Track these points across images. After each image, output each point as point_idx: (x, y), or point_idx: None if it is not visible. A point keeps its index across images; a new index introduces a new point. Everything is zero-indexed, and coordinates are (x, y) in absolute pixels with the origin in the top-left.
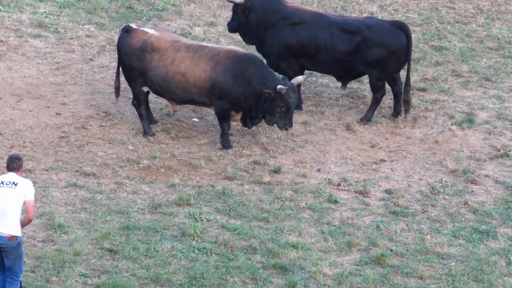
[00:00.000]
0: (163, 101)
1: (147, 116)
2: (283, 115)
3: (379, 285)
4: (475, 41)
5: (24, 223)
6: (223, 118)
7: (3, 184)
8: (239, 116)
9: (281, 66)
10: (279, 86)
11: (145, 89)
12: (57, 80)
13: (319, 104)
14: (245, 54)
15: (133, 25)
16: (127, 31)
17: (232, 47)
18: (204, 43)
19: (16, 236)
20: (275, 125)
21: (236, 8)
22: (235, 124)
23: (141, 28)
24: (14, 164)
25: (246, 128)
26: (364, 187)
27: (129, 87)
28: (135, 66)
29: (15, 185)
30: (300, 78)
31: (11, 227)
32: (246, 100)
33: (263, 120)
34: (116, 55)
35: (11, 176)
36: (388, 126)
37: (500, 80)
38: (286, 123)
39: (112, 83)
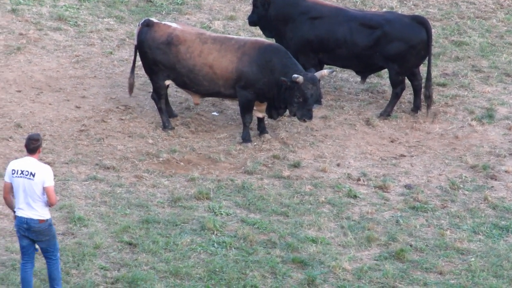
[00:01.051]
0: (183, 95)
1: (167, 110)
2: (301, 106)
3: (398, 280)
4: (495, 36)
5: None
6: (247, 109)
7: (22, 174)
8: (264, 107)
9: (300, 61)
10: (294, 75)
11: (167, 82)
12: (76, 73)
13: (339, 98)
14: (269, 44)
15: (154, 19)
16: (148, 25)
17: (258, 38)
18: (229, 35)
19: (46, 219)
20: (295, 117)
21: (256, 1)
22: (261, 115)
23: (163, 22)
24: (31, 145)
25: (272, 119)
26: (384, 182)
27: (148, 81)
28: (160, 60)
29: (33, 176)
30: (324, 72)
31: (38, 212)
32: (269, 90)
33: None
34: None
35: (30, 164)
36: (408, 121)
37: None
38: (304, 114)
39: None
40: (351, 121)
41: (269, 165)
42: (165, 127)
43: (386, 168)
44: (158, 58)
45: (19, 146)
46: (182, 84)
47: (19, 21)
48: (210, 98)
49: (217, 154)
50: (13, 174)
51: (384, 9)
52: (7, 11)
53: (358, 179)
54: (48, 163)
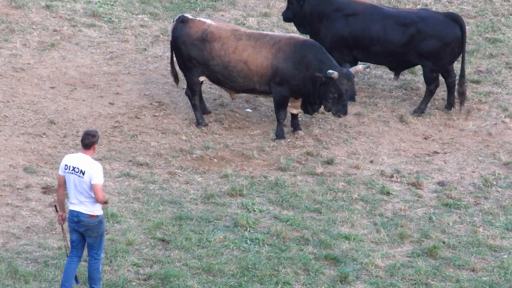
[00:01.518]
0: (216, 92)
1: (201, 106)
2: (336, 101)
3: (431, 277)
4: None
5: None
6: (281, 105)
7: (73, 171)
8: (299, 103)
9: (334, 57)
10: (329, 71)
11: (201, 78)
12: (110, 70)
13: (373, 95)
14: (305, 40)
15: (189, 15)
16: (182, 21)
17: (293, 35)
18: (264, 31)
19: (97, 215)
20: (330, 112)
21: None
22: (296, 112)
23: (197, 18)
24: (86, 140)
25: (307, 114)
26: (417, 179)
27: (182, 77)
28: (194, 56)
29: (83, 174)
30: (359, 67)
31: (89, 208)
32: (305, 86)
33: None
34: (170, 45)
35: (82, 161)
36: (441, 118)
37: None
38: (339, 109)
39: (166, 73)
40: (385, 118)
41: (303, 162)
42: (199, 123)
43: (420, 165)
44: (192, 54)
45: (52, 142)
46: (216, 80)
47: (53, 18)
48: (244, 94)
49: (250, 151)
50: (65, 169)
51: (419, 7)
52: (41, 7)
53: (391, 176)
54: None
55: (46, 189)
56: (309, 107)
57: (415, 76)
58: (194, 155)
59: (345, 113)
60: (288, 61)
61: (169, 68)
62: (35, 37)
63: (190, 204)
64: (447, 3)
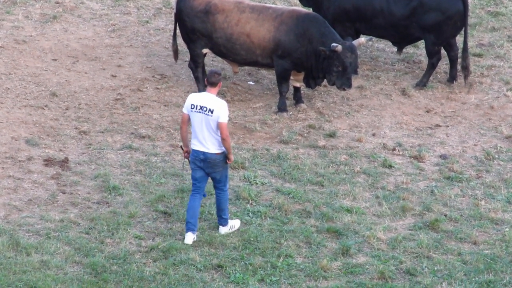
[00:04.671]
0: (219, 64)
1: (203, 79)
2: (340, 74)
3: (432, 250)
4: None
5: (224, 146)
6: (284, 78)
7: (201, 110)
8: (301, 77)
9: (337, 30)
10: (333, 44)
11: (205, 51)
12: (112, 42)
13: (375, 68)
14: (307, 13)
15: None
16: None
17: (295, 8)
18: (267, 4)
19: (222, 151)
20: (334, 85)
21: None
22: (299, 85)
23: None
24: (213, 78)
25: (309, 88)
26: (419, 152)
27: (185, 50)
28: (198, 28)
29: (212, 112)
30: (362, 40)
31: (214, 147)
32: (307, 59)
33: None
34: (172, 18)
35: (209, 99)
36: (443, 92)
37: None
38: (343, 83)
39: (168, 46)
40: (387, 91)
41: (305, 134)
42: None
43: (422, 138)
44: (196, 27)
45: (54, 114)
46: (219, 53)
47: None
48: (246, 67)
49: (252, 124)
50: (192, 108)
51: None
52: None
53: (394, 149)
54: (84, 132)
55: (48, 162)
56: (311, 81)
57: (417, 50)
58: None
59: (349, 86)
60: (290, 34)
61: (171, 41)
62: (37, 9)
63: None
64: None
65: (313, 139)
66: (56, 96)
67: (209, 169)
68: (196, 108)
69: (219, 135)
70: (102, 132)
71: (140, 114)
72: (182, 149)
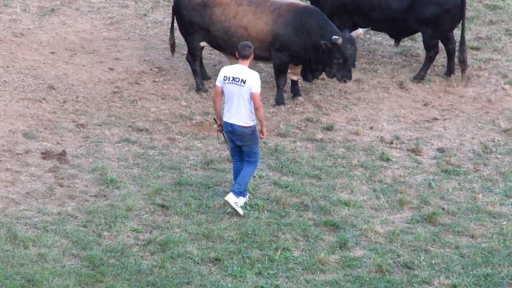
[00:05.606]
0: (216, 57)
1: (201, 72)
2: (341, 66)
3: (430, 243)
4: None
5: (257, 117)
6: (281, 71)
7: (234, 81)
8: (299, 70)
9: (334, 23)
10: (334, 37)
11: (202, 44)
12: (110, 35)
13: (372, 62)
14: (305, 6)
15: None
16: None
17: (293, 1)
18: None
19: (251, 125)
20: (334, 77)
21: None
22: (296, 78)
23: None
24: (245, 51)
25: (307, 81)
26: (417, 145)
27: (183, 43)
28: (196, 21)
29: (244, 82)
30: (360, 31)
31: (244, 119)
32: (306, 52)
33: (323, 72)
34: (170, 11)
35: (241, 71)
36: (441, 85)
37: None
38: (344, 75)
39: (166, 39)
40: (385, 84)
41: (302, 128)
42: (199, 89)
43: (419, 132)
44: (193, 20)
45: (52, 107)
46: (217, 46)
47: None
48: None
49: None
50: (224, 80)
51: None
52: None
53: (391, 142)
54: (81, 125)
55: (46, 155)
56: (309, 74)
57: (415, 43)
58: (194, 121)
59: (350, 77)
60: (288, 27)
61: (169, 34)
62: (35, 2)
63: (189, 170)
64: None
65: (310, 132)
66: (54, 89)
67: (238, 141)
68: (229, 80)
69: (252, 105)
70: (100, 125)
71: (137, 107)
72: (216, 122)
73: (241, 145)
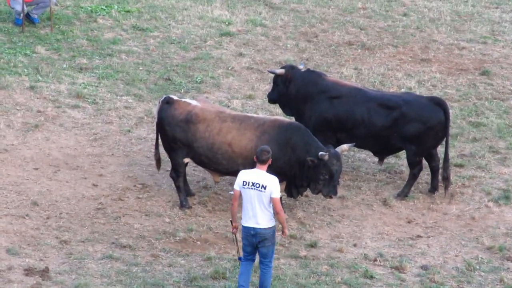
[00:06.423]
0: (200, 174)
1: (185, 189)
2: (327, 182)
3: None
4: None
5: (279, 220)
6: None
7: (254, 186)
8: (283, 186)
9: (318, 139)
10: (320, 153)
11: (186, 160)
12: (94, 151)
13: (356, 178)
14: (290, 123)
15: (174, 97)
16: (168, 102)
17: (277, 117)
18: (248, 114)
19: (272, 226)
20: (320, 193)
21: (276, 79)
22: (280, 194)
23: (183, 99)
24: (263, 156)
25: (291, 197)
26: (400, 263)
27: (166, 159)
28: (179, 137)
29: (264, 188)
30: (344, 147)
31: (264, 223)
32: (291, 168)
33: (308, 189)
34: (154, 127)
35: (261, 176)
36: (425, 202)
37: None
38: (330, 190)
39: (150, 155)
40: (368, 201)
41: (286, 244)
42: (183, 205)
43: (403, 249)
44: (177, 136)
45: (35, 224)
46: (201, 162)
47: (37, 99)
48: (228, 177)
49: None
50: (244, 185)
51: (403, 90)
52: (26, 88)
53: (375, 260)
54: (64, 242)
55: (29, 271)
56: (294, 190)
57: (399, 160)
58: (178, 238)
59: (335, 193)
60: (273, 144)
61: (153, 150)
62: (19, 118)
63: (173, 287)
64: (431, 87)
65: (294, 249)
66: (37, 205)
67: (260, 243)
68: (248, 185)
69: (271, 209)
70: (83, 241)
71: (121, 223)
72: (232, 224)
73: (261, 246)
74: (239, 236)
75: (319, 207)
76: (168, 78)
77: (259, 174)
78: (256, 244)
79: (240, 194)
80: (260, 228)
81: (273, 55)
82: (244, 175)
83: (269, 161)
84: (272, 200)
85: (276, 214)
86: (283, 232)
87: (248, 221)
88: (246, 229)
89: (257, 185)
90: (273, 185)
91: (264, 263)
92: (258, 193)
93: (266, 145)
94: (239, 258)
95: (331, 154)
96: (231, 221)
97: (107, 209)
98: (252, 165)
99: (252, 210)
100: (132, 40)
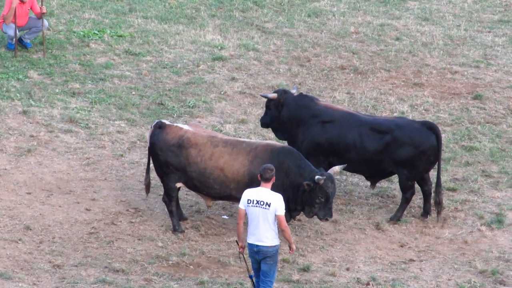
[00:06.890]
0: (193, 198)
1: (177, 213)
2: (323, 205)
3: None
4: (505, 141)
5: (285, 237)
6: None
7: (259, 204)
8: None
9: (311, 163)
10: (317, 177)
11: (178, 185)
12: (87, 176)
13: (349, 203)
14: (282, 147)
15: (166, 121)
16: (160, 127)
17: (269, 141)
18: (240, 138)
19: (275, 244)
20: (315, 216)
21: (269, 103)
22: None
23: (175, 124)
24: (267, 174)
25: None
26: (393, 287)
27: (159, 184)
28: (171, 162)
29: (269, 205)
30: (336, 169)
31: (269, 241)
32: (284, 192)
33: (301, 212)
34: (147, 151)
35: (265, 194)
36: (417, 226)
37: None
38: (326, 213)
39: (142, 179)
40: (361, 226)
41: (279, 269)
42: (175, 230)
43: (396, 273)
44: (169, 160)
45: (28, 248)
46: (193, 187)
47: (30, 123)
48: (221, 201)
49: (226, 258)
50: (248, 203)
51: (395, 114)
52: (18, 113)
53: (368, 284)
54: (58, 266)
55: None
56: (287, 214)
57: (391, 184)
58: (170, 262)
59: (331, 215)
60: None
61: (145, 175)
62: (11, 142)
63: None
64: (423, 111)
65: (287, 273)
66: (30, 229)
67: (262, 261)
68: (253, 203)
69: (276, 227)
70: (76, 265)
71: (114, 248)
72: (238, 244)
73: (263, 263)
74: (246, 254)
75: (311, 231)
76: (160, 103)
77: (263, 192)
78: (259, 261)
79: (246, 213)
80: (263, 246)
81: (265, 80)
82: (249, 193)
83: (273, 179)
84: (277, 217)
85: (281, 231)
86: (290, 248)
87: (252, 238)
88: (250, 246)
89: (262, 203)
90: (278, 203)
91: (265, 281)
92: (263, 211)
93: (257, 169)
94: (250, 276)
95: (327, 177)
96: (236, 241)
97: (100, 234)
98: (244, 190)
99: (256, 228)
100: (125, 65)
